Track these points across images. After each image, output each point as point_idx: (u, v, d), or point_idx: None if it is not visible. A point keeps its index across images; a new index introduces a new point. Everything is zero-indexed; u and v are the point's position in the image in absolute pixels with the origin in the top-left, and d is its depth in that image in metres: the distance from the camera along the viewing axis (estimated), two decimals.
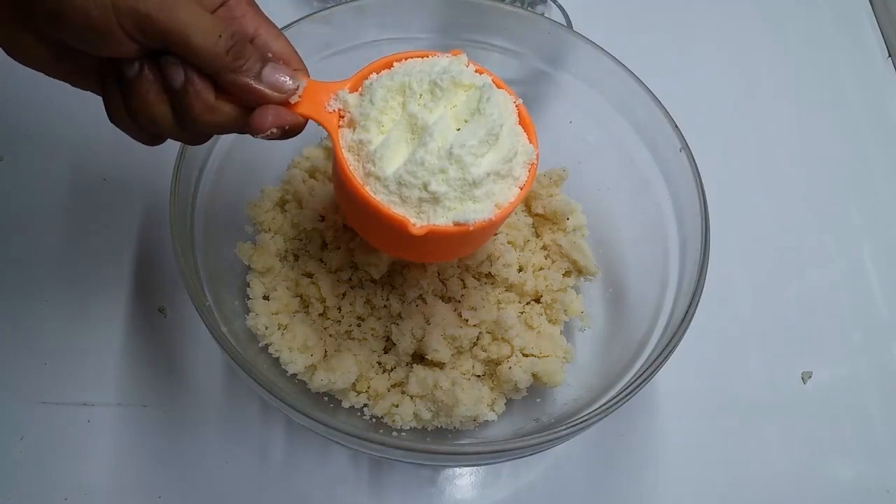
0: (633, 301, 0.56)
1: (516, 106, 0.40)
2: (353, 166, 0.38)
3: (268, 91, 0.35)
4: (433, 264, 0.52)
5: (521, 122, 0.40)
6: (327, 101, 0.38)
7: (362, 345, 0.52)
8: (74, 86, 0.37)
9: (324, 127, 0.38)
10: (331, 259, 0.53)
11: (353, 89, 0.39)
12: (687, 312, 0.46)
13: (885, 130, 0.76)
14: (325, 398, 0.50)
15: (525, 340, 0.50)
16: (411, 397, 0.50)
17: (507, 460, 0.52)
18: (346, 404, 0.50)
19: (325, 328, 0.52)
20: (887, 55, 0.81)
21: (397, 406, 0.50)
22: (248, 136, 0.54)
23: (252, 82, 0.35)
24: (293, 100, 0.36)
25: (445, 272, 0.53)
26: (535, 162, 0.39)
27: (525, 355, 0.50)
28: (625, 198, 0.58)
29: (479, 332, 0.51)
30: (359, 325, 0.52)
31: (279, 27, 0.52)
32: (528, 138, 0.40)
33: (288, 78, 0.36)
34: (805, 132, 0.75)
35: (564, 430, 0.41)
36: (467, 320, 0.51)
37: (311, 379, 0.48)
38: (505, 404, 0.51)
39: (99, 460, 0.52)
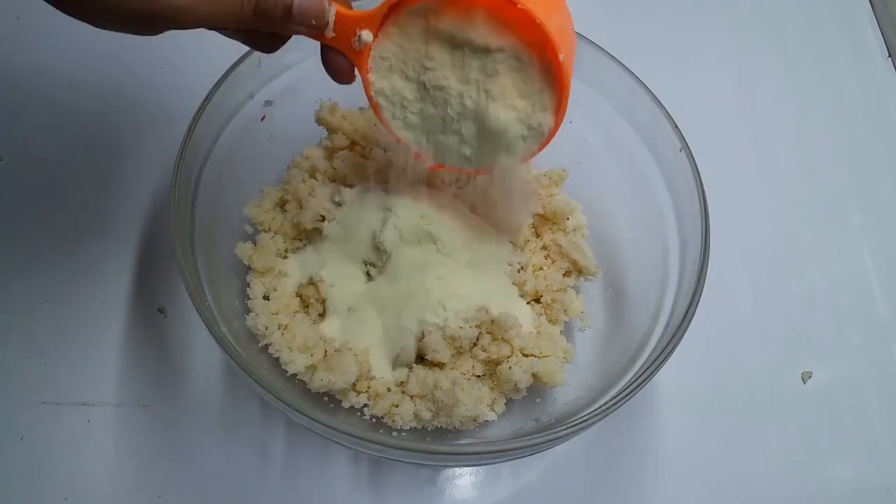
0: (633, 301, 0.56)
1: (555, 67, 0.38)
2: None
3: (302, 30, 0.38)
4: None
5: (558, 87, 0.39)
6: (353, 38, 0.39)
7: None
8: None
9: (352, 61, 0.40)
10: None
11: (378, 20, 0.39)
12: (687, 312, 0.46)
13: (885, 130, 0.76)
14: (325, 398, 0.50)
15: (525, 340, 0.50)
16: (411, 397, 0.50)
17: (507, 460, 0.52)
18: (346, 404, 0.50)
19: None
20: (887, 55, 0.81)
21: (397, 406, 0.50)
22: (247, 136, 0.54)
23: (285, 28, 0.38)
24: (328, 34, 0.38)
25: None
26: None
27: (525, 355, 0.50)
28: (625, 198, 0.58)
29: (479, 332, 0.51)
30: None
31: None
32: (557, 106, 0.39)
33: (317, 11, 0.37)
34: (805, 132, 0.75)
35: (564, 430, 0.41)
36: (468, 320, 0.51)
37: (311, 379, 0.48)
38: (505, 404, 0.51)
39: (99, 460, 0.52)
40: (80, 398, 0.53)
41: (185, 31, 0.37)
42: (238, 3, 0.35)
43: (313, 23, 0.37)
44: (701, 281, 0.47)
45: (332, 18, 0.38)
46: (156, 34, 0.36)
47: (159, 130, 0.65)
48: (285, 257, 0.55)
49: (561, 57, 0.37)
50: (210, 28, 0.36)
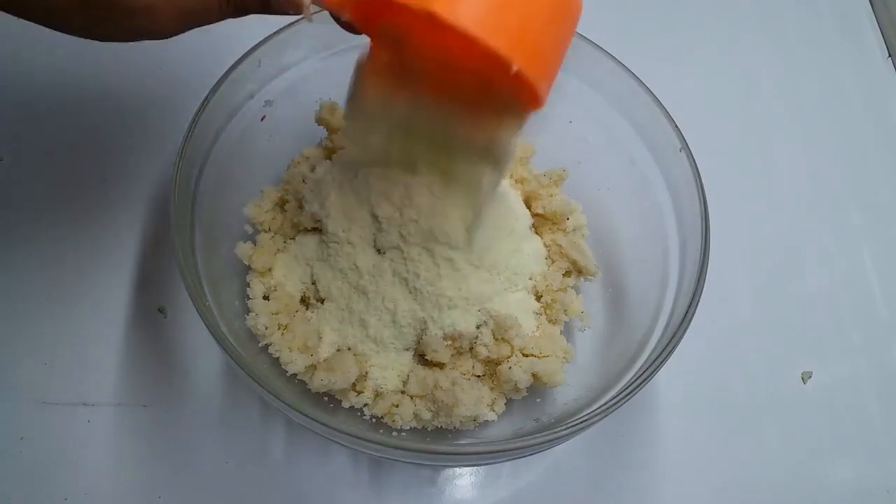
0: (633, 301, 0.56)
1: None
2: None
3: (284, 9, 0.38)
4: None
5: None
6: (340, 13, 0.38)
7: None
8: None
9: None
10: None
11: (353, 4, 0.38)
12: (687, 312, 0.46)
13: (885, 130, 0.76)
14: (325, 398, 0.50)
15: (525, 340, 0.50)
16: (411, 397, 0.50)
17: (507, 460, 0.52)
18: (346, 404, 0.50)
19: None
20: (887, 55, 0.81)
21: (397, 406, 0.50)
22: (247, 136, 0.54)
23: (267, 12, 0.38)
24: (307, 17, 0.38)
25: None
26: None
27: (525, 355, 0.50)
28: (625, 198, 0.58)
29: (479, 332, 0.51)
30: None
31: (280, 27, 0.53)
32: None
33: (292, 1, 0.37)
34: (805, 132, 0.75)
35: (564, 430, 0.41)
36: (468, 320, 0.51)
37: (311, 379, 0.48)
38: (505, 404, 0.51)
39: (99, 460, 0.52)
40: (80, 398, 0.53)
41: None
42: (216, 8, 0.37)
43: (290, 12, 0.38)
44: (701, 281, 0.47)
45: (308, 5, 0.38)
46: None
47: (159, 130, 0.65)
48: None
49: (515, 68, 0.34)
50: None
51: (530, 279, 0.55)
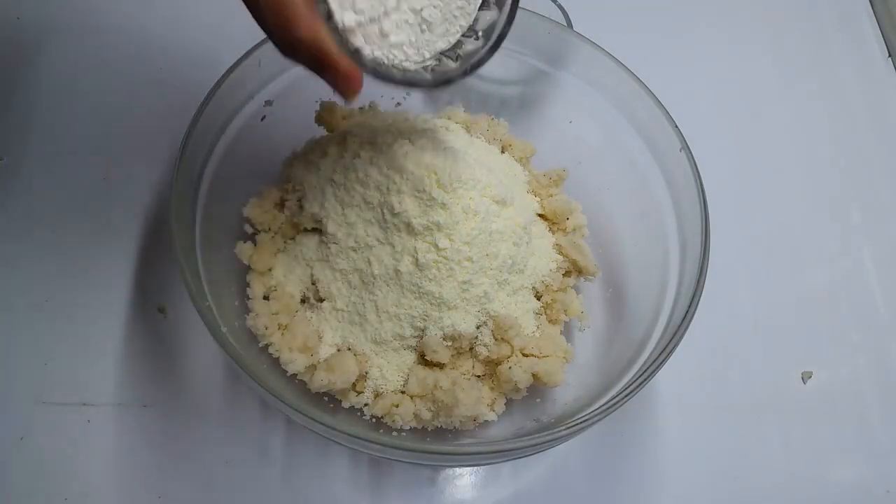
0: (633, 301, 0.56)
1: None
2: None
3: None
4: None
5: None
6: None
7: None
8: None
9: None
10: None
11: None
12: (687, 312, 0.46)
13: (885, 130, 0.76)
14: (325, 398, 0.50)
15: (525, 340, 0.50)
16: (411, 397, 0.50)
17: (507, 460, 0.52)
18: (346, 404, 0.50)
19: None
20: (887, 55, 0.81)
21: (397, 406, 0.50)
22: (247, 136, 0.54)
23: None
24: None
25: None
26: None
27: (525, 355, 0.50)
28: (625, 198, 0.58)
29: (479, 332, 0.51)
30: None
31: None
32: None
33: None
34: (805, 132, 0.75)
35: (564, 430, 0.42)
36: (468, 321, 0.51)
37: (311, 379, 0.48)
38: (505, 404, 0.51)
39: (99, 460, 0.52)
40: (80, 398, 0.53)
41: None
42: None
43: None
44: (701, 281, 0.47)
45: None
46: None
47: (160, 130, 0.65)
48: None
49: None
50: None
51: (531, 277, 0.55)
